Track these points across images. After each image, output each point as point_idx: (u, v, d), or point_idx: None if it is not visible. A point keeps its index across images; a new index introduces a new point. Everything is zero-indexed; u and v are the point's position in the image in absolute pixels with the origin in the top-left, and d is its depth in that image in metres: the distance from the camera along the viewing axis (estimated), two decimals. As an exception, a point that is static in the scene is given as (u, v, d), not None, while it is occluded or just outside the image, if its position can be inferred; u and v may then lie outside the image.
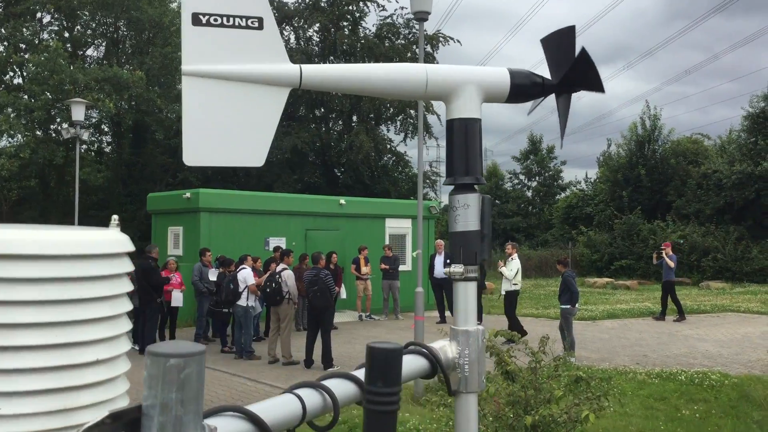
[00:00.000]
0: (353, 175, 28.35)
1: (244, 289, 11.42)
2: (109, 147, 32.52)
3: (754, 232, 29.31)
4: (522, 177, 47.84)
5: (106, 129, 31.65)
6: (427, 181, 32.96)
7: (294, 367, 10.74)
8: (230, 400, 8.67)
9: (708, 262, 28.86)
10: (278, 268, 11.14)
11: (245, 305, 11.41)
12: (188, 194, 15.87)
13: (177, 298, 12.66)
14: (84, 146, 31.69)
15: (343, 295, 15.80)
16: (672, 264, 17.12)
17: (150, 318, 11.57)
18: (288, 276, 10.99)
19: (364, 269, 16.55)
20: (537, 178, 47.49)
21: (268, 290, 10.96)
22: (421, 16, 8.74)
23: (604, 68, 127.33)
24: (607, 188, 36.48)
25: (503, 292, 13.46)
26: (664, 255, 17.15)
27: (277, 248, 11.54)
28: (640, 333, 14.85)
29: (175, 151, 29.18)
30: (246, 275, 11.50)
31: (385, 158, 31.43)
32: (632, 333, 14.86)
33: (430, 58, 29.76)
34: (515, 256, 13.60)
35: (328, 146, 29.58)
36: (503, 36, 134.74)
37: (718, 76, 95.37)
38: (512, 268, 13.24)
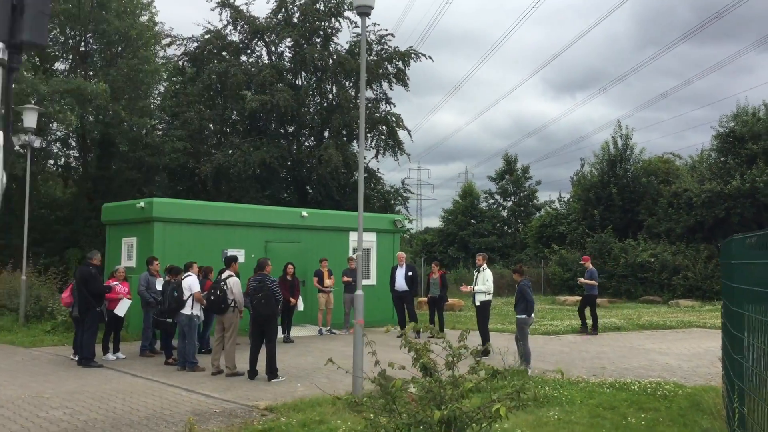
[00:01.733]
0: (323, 191, 28.02)
1: (189, 297, 11.01)
2: (75, 162, 31.93)
3: (724, 251, 29.32)
4: (497, 196, 47.79)
5: (72, 143, 31.10)
6: (399, 198, 32.70)
7: (236, 379, 10.32)
8: (159, 410, 8.24)
9: (678, 281, 28.81)
10: (224, 275, 10.76)
11: (189, 314, 10.99)
12: (142, 204, 15.46)
13: (122, 307, 12.20)
14: (51, 161, 31.25)
15: (300, 307, 15.41)
16: (590, 282, 17.28)
17: (89, 327, 11.11)
18: (234, 283, 10.61)
19: (327, 281, 16.19)
20: (512, 197, 47.44)
21: (212, 298, 10.56)
22: (364, 11, 8.51)
23: (579, 93, 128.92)
24: (579, 207, 36.48)
25: (477, 303, 13.16)
26: (580, 280, 17.64)
27: (230, 257, 11.09)
28: (602, 347, 14.59)
29: (141, 165, 28.75)
30: (191, 283, 11.10)
31: (356, 175, 31.15)
32: (593, 346, 14.60)
33: (401, 75, 29.71)
34: (485, 266, 13.32)
35: (299, 162, 29.26)
36: (478, 60, 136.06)
37: (690, 102, 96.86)
38: (488, 279, 12.98)
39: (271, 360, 10.13)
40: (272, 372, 10.13)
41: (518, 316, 11.40)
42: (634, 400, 8.81)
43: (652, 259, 29.83)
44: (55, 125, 28.67)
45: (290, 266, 15.25)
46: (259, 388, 9.67)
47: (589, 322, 16.94)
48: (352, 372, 7.94)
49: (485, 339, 12.88)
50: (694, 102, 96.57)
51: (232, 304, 10.57)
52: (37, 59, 27.60)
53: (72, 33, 27.35)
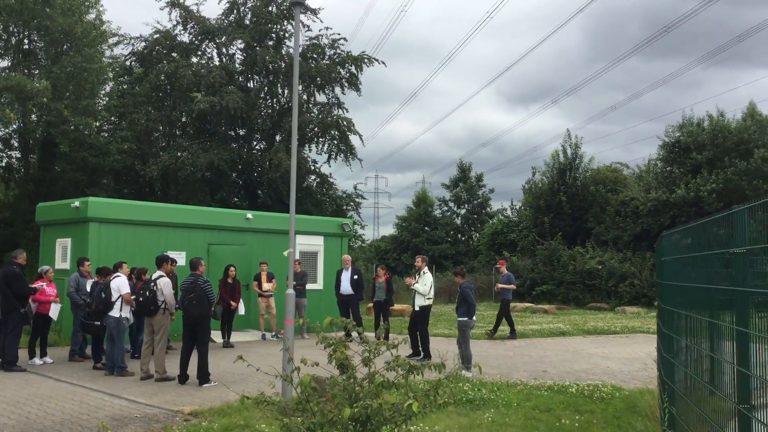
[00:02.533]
0: (274, 195, 27.59)
1: (118, 298, 10.56)
2: (18, 162, 30.85)
3: (669, 259, 29.82)
4: (451, 204, 47.93)
5: (15, 144, 30.02)
6: (352, 203, 32.46)
7: (166, 384, 9.91)
8: (76, 415, 7.82)
9: (625, 288, 29.16)
10: (154, 276, 10.35)
11: (117, 316, 10.54)
12: (77, 203, 14.89)
13: (55, 310, 11.67)
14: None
15: (241, 310, 15.02)
16: (508, 286, 17.35)
17: (12, 329, 10.57)
18: (164, 284, 10.20)
19: (266, 285, 15.80)
20: (466, 205, 47.65)
21: (141, 299, 10.14)
22: (299, 1, 8.27)
23: (533, 105, 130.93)
24: (530, 215, 36.75)
25: (417, 308, 12.86)
26: (498, 286, 17.67)
27: (161, 257, 10.61)
28: (545, 351, 14.56)
29: (85, 166, 27.90)
30: (120, 284, 10.64)
31: (309, 180, 30.84)
32: (537, 351, 14.56)
33: (354, 79, 29.52)
34: (426, 269, 13.04)
35: (250, 166, 28.79)
36: (432, 70, 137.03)
37: (639, 116, 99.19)
38: (426, 282, 12.70)
39: (203, 364, 9.76)
40: (203, 376, 9.76)
41: (459, 319, 11.25)
42: (571, 402, 8.72)
43: (600, 267, 30.16)
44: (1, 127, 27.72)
45: (232, 269, 14.87)
46: (189, 393, 9.29)
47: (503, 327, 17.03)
48: (282, 374, 7.62)
49: (425, 344, 12.69)
50: (643, 115, 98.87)
51: (162, 306, 10.16)
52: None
53: (14, 29, 26.42)
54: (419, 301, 12.64)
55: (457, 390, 8.97)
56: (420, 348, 12.67)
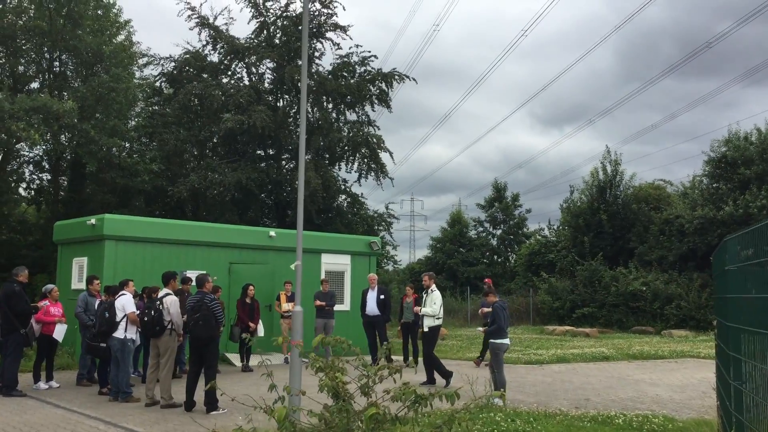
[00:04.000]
0: (303, 215, 26.94)
1: (123, 318, 9.87)
2: (48, 185, 30.86)
3: (718, 279, 28.27)
4: (487, 225, 46.81)
5: (46, 166, 30.05)
6: (383, 223, 31.66)
7: (172, 411, 9.14)
8: (62, 445, 7.09)
9: (671, 310, 27.68)
10: (160, 294, 9.63)
11: (122, 337, 9.83)
12: (93, 220, 14.37)
13: (59, 331, 11.04)
14: (23, 184, 30.16)
15: (260, 332, 14.23)
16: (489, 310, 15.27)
17: (12, 352, 9.94)
18: (171, 302, 9.47)
19: (285, 305, 14.97)
20: (502, 226, 46.47)
21: (146, 319, 9.43)
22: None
23: (566, 127, 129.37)
24: (569, 234, 35.47)
25: (426, 329, 11.94)
26: (482, 310, 15.06)
27: (168, 274, 9.93)
28: (587, 377, 13.44)
29: (114, 187, 27.69)
30: (125, 302, 9.95)
31: (340, 199, 30.18)
32: (578, 377, 13.45)
33: (384, 96, 28.89)
34: (434, 287, 12.14)
35: (278, 185, 28.26)
36: (463, 93, 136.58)
37: (676, 136, 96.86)
38: (435, 301, 11.79)
39: (211, 389, 8.95)
40: (211, 403, 8.96)
41: (491, 341, 10.29)
42: (618, 435, 7.69)
43: (644, 288, 28.73)
44: (26, 147, 27.74)
45: (251, 288, 14.14)
46: (194, 421, 8.49)
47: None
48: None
49: (437, 368, 11.77)
50: (680, 136, 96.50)
51: (169, 327, 9.43)
52: (11, 80, 26.77)
53: (44, 51, 26.47)
54: (428, 322, 11.74)
55: (489, 420, 8.02)
56: (435, 374, 11.80)
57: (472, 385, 10.06)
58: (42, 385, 10.96)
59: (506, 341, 10.39)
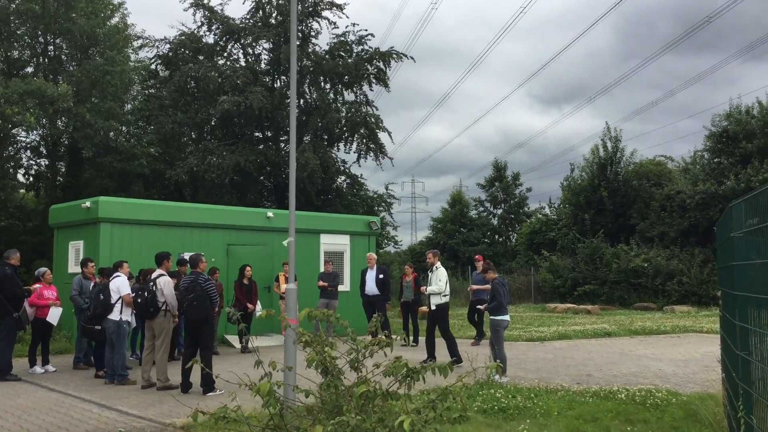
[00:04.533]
0: (301, 197, 26.73)
1: (118, 300, 9.72)
2: (47, 170, 30.68)
3: (720, 255, 28.11)
4: (487, 204, 46.60)
5: (44, 151, 29.83)
6: (383, 204, 31.47)
7: (167, 393, 9.01)
8: (54, 429, 6.96)
9: (673, 286, 27.56)
10: (154, 275, 9.48)
11: (117, 319, 9.69)
12: (88, 203, 14.20)
13: (54, 315, 10.91)
14: (21, 170, 29.97)
15: (259, 311, 14.09)
16: (481, 287, 13.99)
17: (4, 336, 9.81)
18: (165, 283, 9.32)
19: (284, 286, 14.76)
20: (502, 205, 46.26)
21: (139, 300, 9.28)
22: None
23: (566, 106, 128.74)
24: (569, 212, 35.28)
25: (433, 307, 11.74)
26: (471, 287, 14.61)
27: (161, 254, 9.74)
28: (589, 353, 13.32)
29: (113, 172, 27.51)
30: (119, 284, 9.80)
31: (339, 180, 29.96)
32: (580, 353, 13.33)
33: (382, 75, 28.58)
34: (438, 264, 11.86)
35: (277, 167, 28.06)
36: (462, 74, 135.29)
37: (675, 113, 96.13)
38: (441, 278, 11.55)
39: (207, 371, 8.83)
40: (207, 384, 8.84)
41: (491, 318, 10.15)
42: (621, 410, 7.55)
43: (646, 264, 28.59)
44: (24, 133, 27.52)
45: (248, 268, 13.99)
46: (190, 403, 8.35)
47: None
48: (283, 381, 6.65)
49: (450, 347, 11.57)
50: (679, 113, 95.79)
51: (163, 308, 9.28)
52: (5, 65, 26.49)
53: (38, 34, 26.14)
54: (435, 300, 11.50)
55: (489, 397, 7.90)
56: (439, 352, 11.55)
57: (471, 362, 9.96)
58: (38, 369, 10.85)
59: (506, 318, 10.25)
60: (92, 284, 10.92)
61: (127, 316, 9.81)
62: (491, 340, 10.30)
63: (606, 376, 10.52)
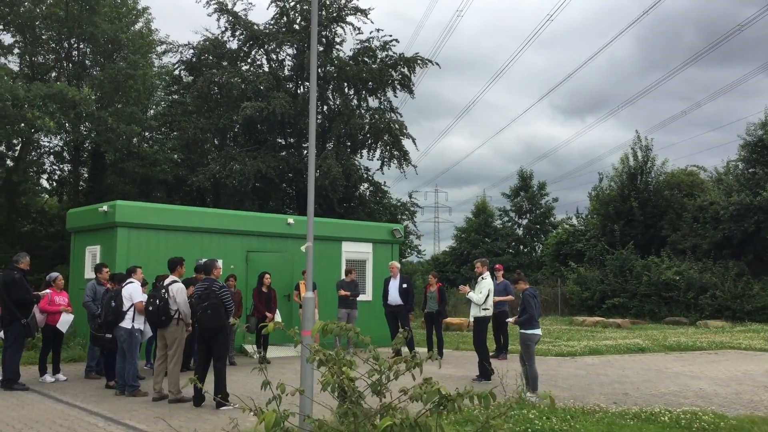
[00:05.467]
0: (324, 204, 26.31)
1: (130, 307, 9.30)
2: (70, 175, 30.65)
3: (754, 268, 27.15)
4: (512, 214, 45.83)
5: (67, 156, 29.80)
6: (407, 212, 30.95)
7: (179, 406, 8.55)
8: (54, 444, 6.52)
9: (706, 300, 26.62)
10: (166, 281, 9.04)
11: (129, 327, 9.26)
12: (105, 207, 13.87)
13: (65, 322, 10.53)
14: (44, 175, 30.00)
15: (278, 321, 13.62)
16: (502, 298, 13.53)
17: (12, 343, 9.43)
18: (178, 290, 8.87)
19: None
20: (528, 215, 45.48)
21: (151, 308, 8.84)
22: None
23: (587, 117, 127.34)
24: (598, 222, 34.43)
25: (472, 319, 11.19)
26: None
27: (174, 260, 9.31)
28: (624, 370, 12.64)
29: (135, 178, 27.37)
30: (132, 291, 9.38)
31: (362, 188, 29.51)
32: (614, 369, 12.66)
33: (407, 81, 28.12)
34: (486, 274, 11.27)
35: (299, 174, 27.66)
36: (484, 84, 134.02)
37: (700, 125, 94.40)
38: (481, 289, 10.97)
39: (220, 383, 8.36)
40: (221, 397, 8.36)
41: (521, 332, 9.56)
42: (665, 435, 6.94)
43: (677, 277, 27.67)
44: (44, 137, 27.49)
45: (267, 276, 13.53)
46: (202, 417, 7.91)
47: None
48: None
49: (481, 361, 11.00)
50: (703, 125, 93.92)
51: (176, 316, 8.83)
52: (30, 69, 26.51)
53: (58, 37, 26.10)
54: (474, 312, 10.96)
55: (521, 418, 7.31)
56: (484, 367, 10.92)
57: (501, 380, 9.38)
58: (48, 378, 10.47)
59: (537, 332, 9.64)
60: (104, 290, 10.52)
61: (140, 324, 9.38)
62: (521, 356, 9.71)
63: (644, 396, 9.87)
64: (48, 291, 10.31)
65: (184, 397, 8.75)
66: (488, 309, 10.92)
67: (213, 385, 8.36)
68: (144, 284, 10.13)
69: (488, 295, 10.87)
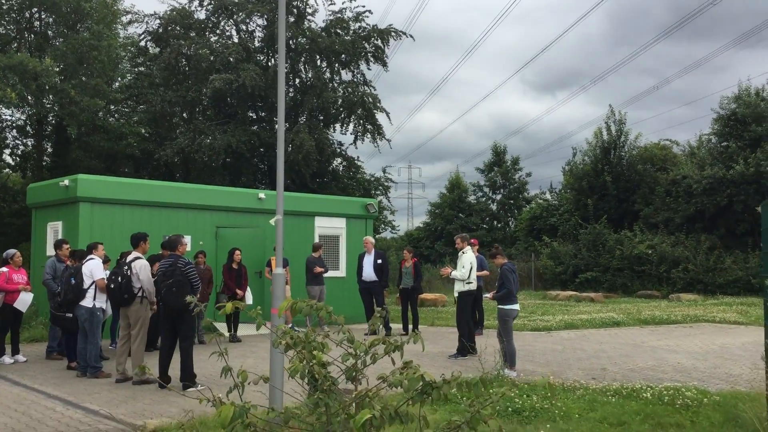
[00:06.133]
0: (297, 179, 25.81)
1: (91, 285, 8.85)
2: (33, 150, 29.69)
3: (726, 242, 27.33)
4: (486, 189, 45.69)
5: (30, 131, 28.81)
6: (380, 187, 30.57)
7: (144, 387, 8.17)
8: (12, 429, 6.11)
9: (678, 274, 26.76)
10: (129, 258, 8.59)
11: (90, 306, 8.82)
12: (66, 181, 13.29)
13: (24, 301, 10.04)
14: (7, 150, 29.02)
15: (249, 300, 13.26)
16: (480, 273, 12.54)
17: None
18: (141, 267, 8.44)
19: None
20: (502, 190, 45.38)
21: (113, 286, 8.40)
22: None
23: (558, 93, 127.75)
24: (571, 197, 34.41)
25: (456, 294, 10.90)
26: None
27: (138, 235, 8.83)
28: (600, 344, 12.52)
29: (101, 152, 26.57)
30: (93, 267, 8.91)
31: (335, 163, 29.03)
32: (591, 344, 12.53)
33: (380, 53, 27.59)
34: (467, 248, 10.97)
35: (271, 147, 27.07)
36: (456, 60, 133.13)
37: (669, 101, 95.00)
38: (464, 264, 10.67)
39: (187, 364, 7.99)
40: (188, 379, 8.00)
41: (499, 307, 9.31)
42: (649, 412, 6.73)
43: (650, 251, 27.77)
44: (7, 111, 26.54)
45: (237, 252, 13.14)
46: (167, 400, 7.54)
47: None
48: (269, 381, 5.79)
49: (462, 336, 10.77)
50: (673, 101, 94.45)
51: (139, 294, 8.41)
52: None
53: (19, 6, 25.08)
54: (457, 287, 10.67)
55: (526, 403, 7.06)
56: (462, 344, 10.67)
57: (480, 357, 9.14)
58: (6, 359, 10.00)
59: (516, 307, 9.41)
60: (64, 267, 10.04)
61: (101, 302, 8.93)
62: (498, 331, 9.47)
63: (622, 371, 9.71)
64: (5, 269, 9.79)
65: (149, 378, 8.36)
66: (471, 283, 10.66)
67: (180, 366, 7.99)
68: (106, 261, 9.67)
69: (471, 269, 10.61)
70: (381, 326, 13.83)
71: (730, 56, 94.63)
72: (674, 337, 13.65)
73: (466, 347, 10.40)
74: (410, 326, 13.84)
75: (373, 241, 14.64)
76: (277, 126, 26.61)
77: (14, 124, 28.53)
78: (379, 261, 13.96)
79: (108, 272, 9.05)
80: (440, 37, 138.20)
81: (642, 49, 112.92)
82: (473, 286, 10.77)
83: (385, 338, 2.77)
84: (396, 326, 14.34)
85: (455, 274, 10.63)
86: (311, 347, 2.60)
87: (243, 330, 13.51)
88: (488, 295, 10.06)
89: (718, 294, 25.26)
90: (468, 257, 10.70)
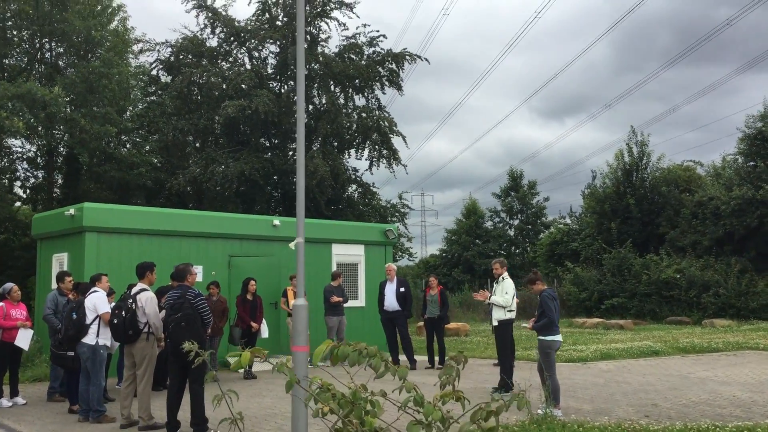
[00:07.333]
0: (311, 206, 25.13)
1: (94, 320, 8.11)
2: (44, 182, 29.28)
3: (758, 264, 26.25)
4: (503, 215, 44.86)
5: (41, 163, 28.44)
6: (397, 214, 29.83)
7: (152, 433, 7.38)
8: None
9: (709, 299, 25.67)
10: (134, 290, 7.86)
11: (93, 344, 8.07)
12: (72, 210, 12.65)
13: (23, 338, 9.32)
14: (18, 182, 28.63)
15: (264, 333, 12.45)
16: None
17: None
18: (147, 300, 7.69)
19: (293, 302, 13.15)
20: (519, 216, 44.53)
21: (116, 321, 7.66)
22: None
23: (566, 119, 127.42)
24: (593, 221, 33.48)
25: (495, 323, 10.07)
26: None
27: (144, 265, 8.10)
28: (644, 376, 11.59)
29: (112, 183, 26.07)
30: (96, 301, 8.17)
31: (350, 190, 28.38)
32: (633, 376, 11.60)
33: (395, 77, 27.05)
34: (506, 275, 10.18)
35: (285, 175, 26.48)
36: (465, 89, 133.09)
37: (678, 126, 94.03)
38: (507, 290, 9.86)
39: (197, 407, 7.20)
40: (198, 423, 7.20)
41: (540, 338, 8.47)
42: (726, 459, 5.86)
43: (678, 276, 26.73)
44: (18, 142, 26.20)
45: (252, 282, 12.37)
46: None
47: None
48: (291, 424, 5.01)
49: (504, 370, 9.92)
50: (682, 126, 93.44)
51: (145, 330, 7.66)
52: (1, 72, 25.19)
53: (30, 36, 24.83)
54: (498, 315, 9.85)
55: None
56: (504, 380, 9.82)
57: (525, 393, 8.26)
58: (4, 402, 9.24)
59: (558, 338, 8.56)
60: (65, 301, 9.32)
61: (105, 339, 8.17)
62: (539, 365, 8.62)
63: (675, 406, 8.81)
64: (1, 304, 9.09)
65: (157, 423, 7.57)
66: (513, 311, 9.87)
67: (190, 410, 7.20)
68: (111, 294, 8.93)
69: (513, 297, 9.83)
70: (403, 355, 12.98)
71: (739, 79, 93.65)
72: (720, 367, 12.70)
73: (508, 384, 9.57)
74: (436, 358, 13.00)
75: (395, 267, 13.83)
76: (291, 154, 26.11)
77: (25, 156, 28.18)
78: (402, 289, 13.16)
79: (113, 305, 8.33)
80: (446, 65, 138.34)
81: (651, 77, 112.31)
82: (514, 315, 9.99)
83: (458, 392, 2.01)
84: (420, 358, 13.49)
85: (497, 299, 9.82)
86: (361, 411, 1.84)
87: (258, 366, 12.70)
88: (527, 325, 9.23)
89: (752, 319, 24.16)
90: (509, 283, 9.93)
